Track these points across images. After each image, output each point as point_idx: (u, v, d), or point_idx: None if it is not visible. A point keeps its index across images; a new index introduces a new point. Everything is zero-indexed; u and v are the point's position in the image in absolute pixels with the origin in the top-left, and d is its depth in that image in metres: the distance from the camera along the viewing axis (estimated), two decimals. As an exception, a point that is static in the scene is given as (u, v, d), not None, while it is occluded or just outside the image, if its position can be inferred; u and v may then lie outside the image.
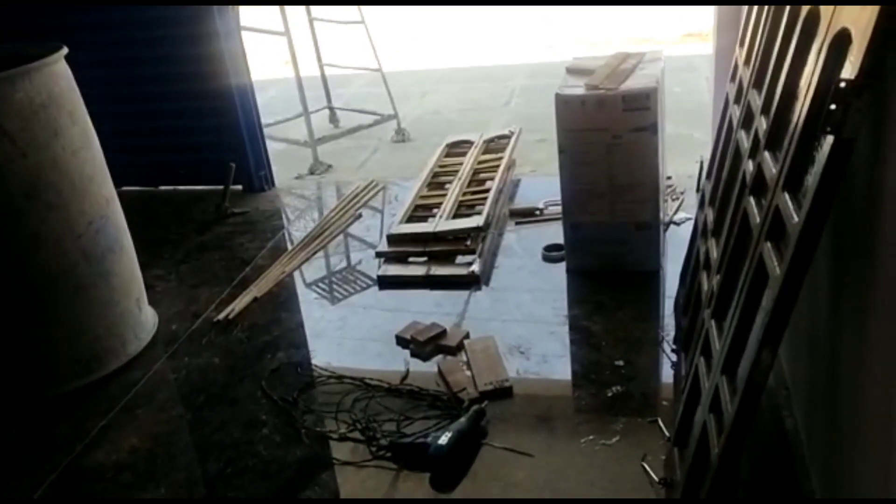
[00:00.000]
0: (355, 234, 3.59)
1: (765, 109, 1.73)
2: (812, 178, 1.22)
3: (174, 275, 3.34)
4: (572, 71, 2.93)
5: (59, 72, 2.43)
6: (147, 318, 2.87)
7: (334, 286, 3.17)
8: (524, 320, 2.72)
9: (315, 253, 3.39)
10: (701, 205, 2.56)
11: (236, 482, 2.10)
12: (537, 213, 3.49)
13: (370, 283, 3.11)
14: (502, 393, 2.33)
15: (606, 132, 2.70)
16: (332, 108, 5.48)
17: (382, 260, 3.21)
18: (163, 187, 4.32)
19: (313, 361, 2.62)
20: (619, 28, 8.09)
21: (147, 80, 3.96)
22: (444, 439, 2.07)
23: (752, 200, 1.64)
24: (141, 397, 2.52)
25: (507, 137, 4.15)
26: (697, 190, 3.32)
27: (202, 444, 2.30)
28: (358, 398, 2.37)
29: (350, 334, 2.78)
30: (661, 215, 2.91)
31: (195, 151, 4.12)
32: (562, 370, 2.48)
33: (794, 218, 1.30)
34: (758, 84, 1.90)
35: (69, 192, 2.44)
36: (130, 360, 2.69)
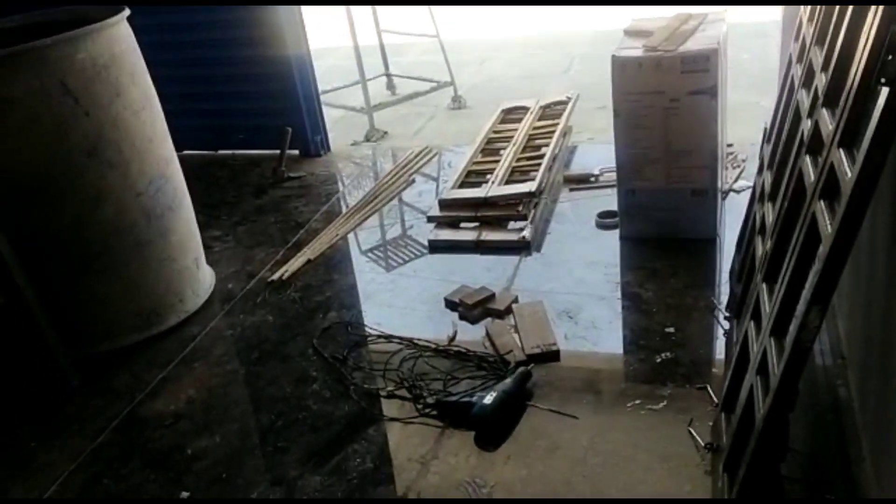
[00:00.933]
0: (408, 199, 3.60)
1: (825, 66, 1.67)
2: (867, 132, 1.18)
3: (231, 236, 3.42)
4: (630, 33, 2.87)
5: (121, 33, 2.49)
6: (205, 277, 2.94)
7: (386, 250, 3.20)
8: (574, 286, 2.70)
9: (368, 217, 3.42)
10: (760, 170, 2.49)
11: (286, 434, 2.16)
12: (592, 179, 3.44)
13: (421, 247, 3.13)
14: (549, 356, 2.33)
15: (664, 95, 2.64)
16: (389, 76, 5.49)
17: (434, 225, 3.22)
18: (222, 151, 4.41)
19: (364, 321, 2.65)
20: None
21: (206, 44, 4.03)
22: (489, 399, 2.09)
23: (807, 160, 1.59)
24: (198, 351, 2.60)
25: (564, 103, 4.09)
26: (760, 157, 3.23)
27: (255, 397, 2.37)
28: (406, 357, 2.41)
29: (400, 296, 2.81)
30: (719, 182, 2.84)
31: (253, 117, 4.18)
32: (610, 336, 2.46)
33: (848, 174, 1.25)
34: (820, 41, 1.83)
35: (130, 152, 2.51)
36: (188, 317, 2.78)
